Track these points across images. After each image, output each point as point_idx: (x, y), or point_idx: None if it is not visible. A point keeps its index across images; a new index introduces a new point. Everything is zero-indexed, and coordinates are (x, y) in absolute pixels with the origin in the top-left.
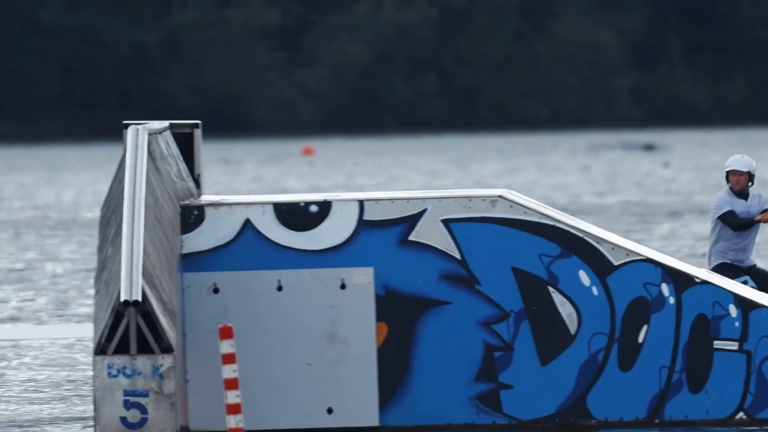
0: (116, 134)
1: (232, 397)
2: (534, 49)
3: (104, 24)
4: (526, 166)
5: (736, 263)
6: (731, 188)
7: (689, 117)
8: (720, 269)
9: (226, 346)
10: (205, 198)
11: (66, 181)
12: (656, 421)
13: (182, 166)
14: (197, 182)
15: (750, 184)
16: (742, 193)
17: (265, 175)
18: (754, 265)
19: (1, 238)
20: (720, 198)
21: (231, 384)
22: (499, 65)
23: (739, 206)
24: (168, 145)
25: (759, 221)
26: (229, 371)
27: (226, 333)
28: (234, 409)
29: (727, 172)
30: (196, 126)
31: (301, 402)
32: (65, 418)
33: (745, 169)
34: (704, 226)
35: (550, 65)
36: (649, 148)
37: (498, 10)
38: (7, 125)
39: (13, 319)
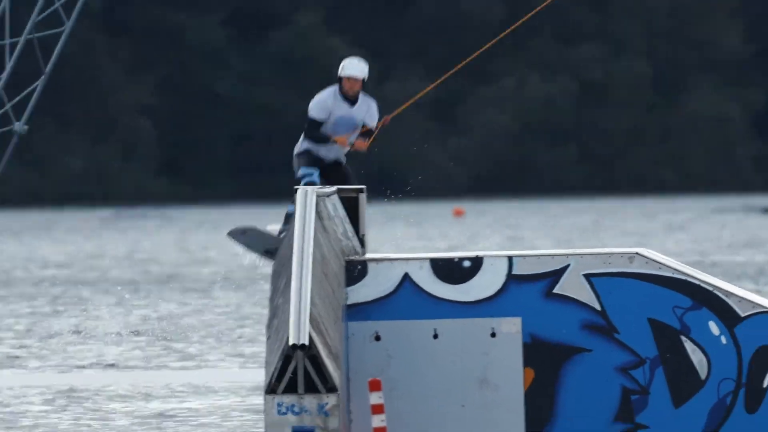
0: (285, 196)
1: None
2: (665, 121)
3: (275, 96)
4: (658, 226)
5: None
6: (342, 91)
7: None
8: (305, 155)
9: (375, 398)
10: (369, 255)
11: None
12: None
13: (348, 226)
14: (362, 241)
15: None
16: (353, 98)
17: (421, 234)
18: (337, 162)
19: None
20: (322, 98)
21: (379, 431)
22: (633, 135)
23: (343, 110)
24: (335, 207)
25: (335, 142)
26: (377, 420)
27: (374, 386)
28: None
29: (342, 77)
30: (361, 191)
31: None
32: None
33: (361, 76)
34: None
35: (680, 135)
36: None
37: (632, 85)
38: (185, 187)
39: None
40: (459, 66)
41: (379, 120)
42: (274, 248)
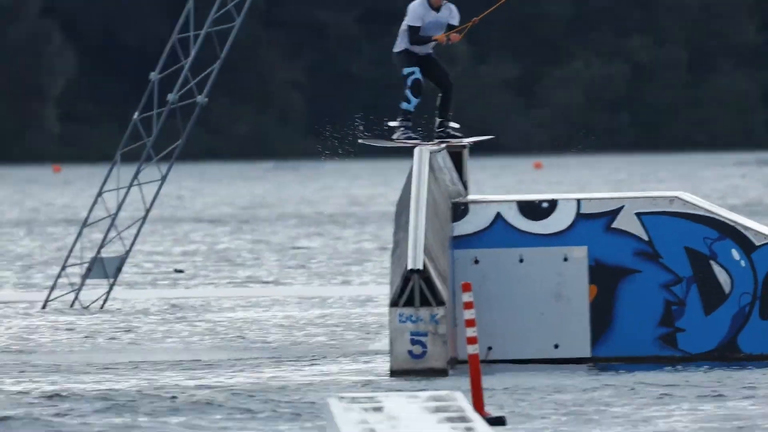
0: (405, 154)
1: (470, 332)
2: (697, 95)
3: (396, 76)
4: (695, 176)
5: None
6: (430, 2)
7: None
8: (405, 53)
9: (467, 297)
10: (470, 197)
11: (367, 184)
12: None
13: (454, 175)
14: (465, 186)
15: None
16: (437, 6)
17: (512, 180)
18: (429, 56)
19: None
20: (416, 9)
21: (470, 323)
22: (672, 106)
23: (431, 17)
24: (444, 160)
25: (436, 40)
26: (468, 314)
27: (466, 287)
28: (472, 341)
29: None
30: (464, 147)
31: (535, 341)
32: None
33: None
34: None
35: (708, 106)
36: None
37: (671, 66)
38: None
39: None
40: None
41: (468, 21)
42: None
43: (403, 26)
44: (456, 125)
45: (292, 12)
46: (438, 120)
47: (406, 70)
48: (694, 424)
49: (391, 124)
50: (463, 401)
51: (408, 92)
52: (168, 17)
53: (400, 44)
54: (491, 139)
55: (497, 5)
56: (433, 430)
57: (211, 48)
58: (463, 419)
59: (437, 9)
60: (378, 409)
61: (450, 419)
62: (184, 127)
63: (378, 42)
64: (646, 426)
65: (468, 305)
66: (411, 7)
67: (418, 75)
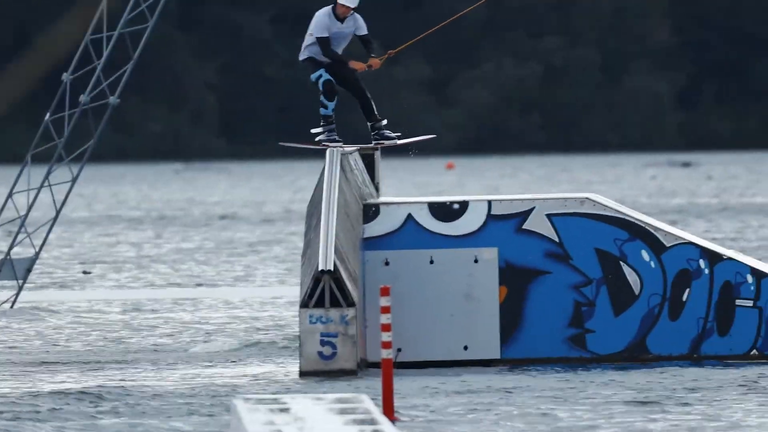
0: (312, 155)
1: (386, 336)
2: (610, 96)
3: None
4: (603, 177)
5: None
6: (336, 13)
7: (719, 144)
8: (311, 60)
9: (384, 301)
10: (381, 199)
11: (280, 186)
12: (695, 355)
13: (366, 176)
14: (377, 188)
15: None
16: (342, 18)
17: (421, 182)
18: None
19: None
20: (321, 19)
21: (386, 327)
22: (585, 106)
23: (336, 27)
24: (356, 162)
25: (354, 68)
26: (384, 318)
27: (384, 291)
28: (387, 345)
29: (338, 3)
30: (376, 149)
31: (445, 342)
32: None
33: (353, 6)
34: (732, 224)
35: (621, 107)
36: (686, 165)
37: (585, 68)
38: (240, 146)
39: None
40: (443, 24)
41: (383, 55)
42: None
43: (308, 35)
44: (389, 132)
45: (206, 13)
46: (369, 125)
47: (313, 76)
48: (599, 418)
49: (314, 131)
50: (369, 403)
51: (322, 97)
52: (81, 18)
53: (305, 52)
54: (431, 138)
55: (423, 35)
56: (339, 430)
57: (125, 49)
58: (370, 422)
59: (342, 20)
60: (284, 411)
61: (356, 421)
62: (96, 127)
63: (291, 43)
64: (549, 420)
65: (385, 309)
66: (317, 16)
67: (326, 76)
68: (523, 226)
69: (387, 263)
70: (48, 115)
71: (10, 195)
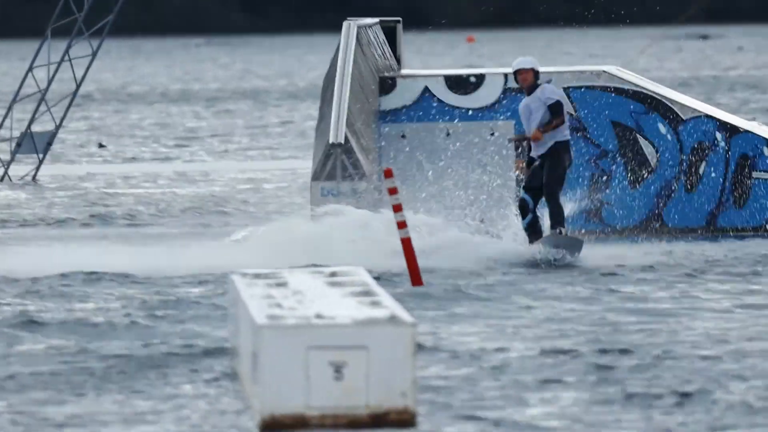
0: (334, 29)
1: (398, 217)
2: None
3: None
4: (624, 49)
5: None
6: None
7: (739, 16)
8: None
9: (389, 183)
10: (398, 72)
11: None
12: (711, 228)
13: (386, 49)
14: (398, 60)
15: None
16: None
17: (445, 54)
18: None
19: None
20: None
21: (397, 208)
22: None
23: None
24: (376, 34)
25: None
26: (393, 200)
27: (388, 173)
28: (401, 225)
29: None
30: (398, 21)
31: (461, 215)
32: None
33: (528, 66)
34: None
35: None
36: (704, 37)
37: None
38: (256, 18)
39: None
40: None
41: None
42: None
43: None
44: None
45: None
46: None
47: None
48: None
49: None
50: (366, 276)
51: None
52: None
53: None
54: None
55: None
56: (338, 303)
57: None
58: (367, 293)
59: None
60: (282, 284)
61: (354, 293)
62: (115, 1)
63: None
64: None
65: (392, 191)
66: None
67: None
68: None
69: (404, 136)
70: None
71: (30, 69)
